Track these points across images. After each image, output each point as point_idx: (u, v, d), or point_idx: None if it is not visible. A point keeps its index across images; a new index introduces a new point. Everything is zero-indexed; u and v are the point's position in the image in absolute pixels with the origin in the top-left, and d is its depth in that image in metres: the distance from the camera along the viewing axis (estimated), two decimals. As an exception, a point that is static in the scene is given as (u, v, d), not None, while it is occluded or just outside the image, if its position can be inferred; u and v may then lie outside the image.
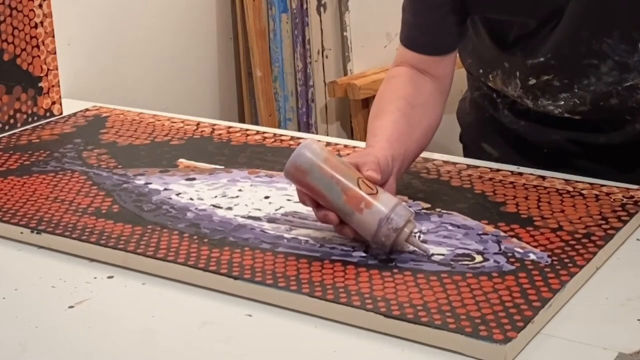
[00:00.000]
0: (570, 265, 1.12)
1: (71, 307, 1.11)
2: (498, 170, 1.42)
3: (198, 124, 1.69)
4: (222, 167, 1.48)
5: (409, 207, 1.30)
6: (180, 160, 1.52)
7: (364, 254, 1.17)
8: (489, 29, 1.44)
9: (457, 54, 1.52)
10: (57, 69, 1.82)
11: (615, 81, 1.35)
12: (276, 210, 1.30)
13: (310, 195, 1.19)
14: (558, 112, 1.42)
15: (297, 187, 1.20)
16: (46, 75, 1.80)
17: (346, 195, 1.16)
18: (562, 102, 1.41)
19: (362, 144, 1.57)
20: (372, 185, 1.18)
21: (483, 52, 1.47)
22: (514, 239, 1.20)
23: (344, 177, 1.17)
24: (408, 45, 1.44)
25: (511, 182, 1.37)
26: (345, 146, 1.54)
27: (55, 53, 1.81)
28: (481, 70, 1.49)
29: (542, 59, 1.38)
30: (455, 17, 1.41)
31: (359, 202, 1.16)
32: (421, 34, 1.43)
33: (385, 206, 1.16)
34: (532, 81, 1.41)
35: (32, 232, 1.27)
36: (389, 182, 1.24)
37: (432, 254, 1.16)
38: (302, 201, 1.21)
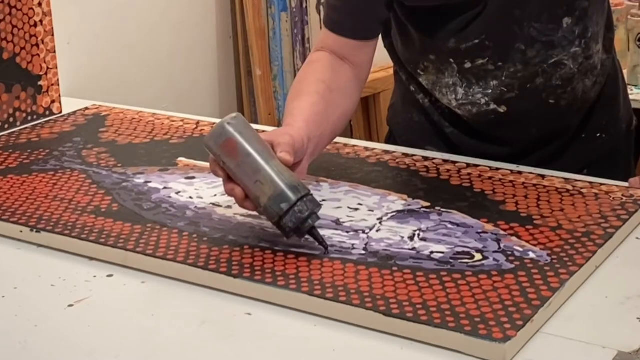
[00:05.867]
0: (569, 264, 1.12)
1: (71, 305, 1.11)
2: (497, 169, 1.42)
3: (198, 122, 1.69)
4: (222, 165, 1.48)
5: (408, 206, 1.30)
6: (180, 159, 1.52)
7: (363, 252, 1.17)
8: (416, 24, 1.46)
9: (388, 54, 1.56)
10: (56, 68, 1.82)
11: (541, 60, 1.41)
12: (276, 208, 1.30)
13: (224, 167, 1.20)
14: (485, 101, 1.45)
15: (212, 157, 1.21)
16: (46, 73, 1.80)
17: (258, 175, 1.17)
18: (490, 91, 1.44)
19: (362, 143, 1.58)
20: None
21: (412, 45, 1.49)
22: (514, 238, 1.20)
23: (260, 154, 1.19)
24: (331, 28, 1.46)
25: (511, 181, 1.37)
26: (345, 145, 1.54)
27: (54, 52, 1.81)
28: (412, 66, 1.51)
29: (476, 41, 1.41)
30: (380, 4, 1.43)
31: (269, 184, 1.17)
32: (345, 18, 1.45)
33: (294, 192, 1.17)
34: (468, 65, 1.43)
35: (31, 230, 1.27)
36: (302, 163, 1.27)
37: (329, 251, 1.17)
38: (213, 171, 1.23)
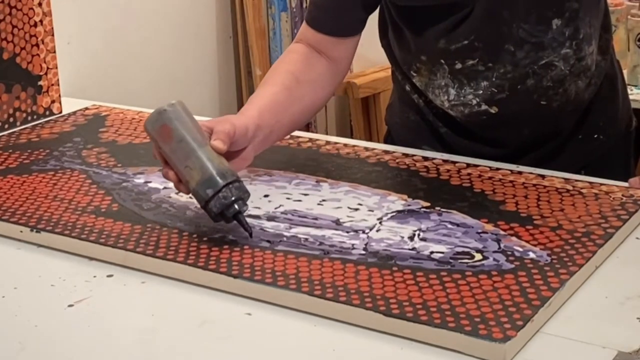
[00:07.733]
0: (569, 264, 1.12)
1: (70, 305, 1.11)
2: (497, 169, 1.42)
3: (197, 122, 1.69)
4: (222, 165, 1.48)
5: (408, 206, 1.30)
6: (180, 158, 1.52)
7: (363, 252, 1.17)
8: (408, 24, 1.47)
9: (385, 53, 1.56)
10: (56, 68, 1.82)
11: (531, 61, 1.41)
12: (275, 208, 1.30)
13: (161, 152, 1.25)
14: (476, 102, 1.45)
15: (153, 144, 1.26)
16: (46, 73, 1.80)
17: (188, 160, 1.21)
18: (481, 92, 1.44)
19: (362, 143, 1.58)
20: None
21: (406, 46, 1.50)
22: (514, 238, 1.20)
23: (193, 140, 1.22)
24: (310, 23, 1.48)
25: (510, 181, 1.37)
26: (345, 145, 1.54)
27: (54, 52, 1.81)
28: (406, 66, 1.51)
29: (465, 42, 1.41)
30: (358, 4, 1.45)
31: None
32: (325, 14, 1.47)
33: (221, 178, 1.20)
34: (459, 65, 1.43)
35: (31, 230, 1.27)
36: (246, 150, 1.31)
37: (253, 236, 1.20)
38: (153, 155, 1.27)
